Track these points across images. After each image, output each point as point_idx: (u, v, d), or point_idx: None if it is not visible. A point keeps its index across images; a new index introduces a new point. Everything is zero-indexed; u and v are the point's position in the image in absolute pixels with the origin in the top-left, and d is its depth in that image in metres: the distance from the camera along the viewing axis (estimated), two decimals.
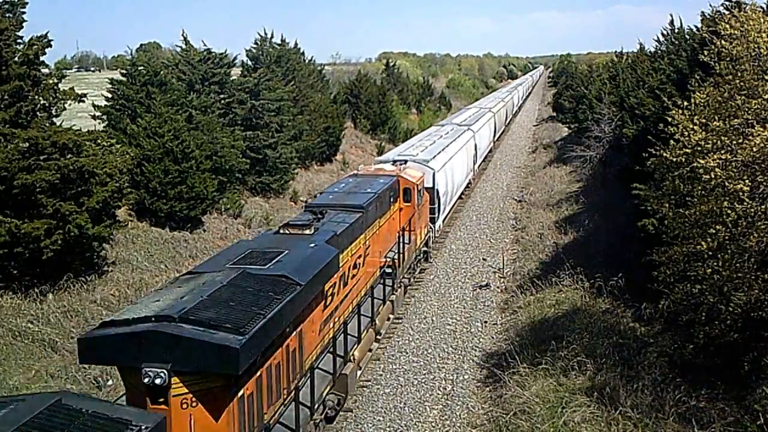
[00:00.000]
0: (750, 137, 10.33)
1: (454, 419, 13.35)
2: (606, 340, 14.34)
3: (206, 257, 21.70)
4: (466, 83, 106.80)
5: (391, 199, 17.80)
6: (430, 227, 22.98)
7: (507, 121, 63.69)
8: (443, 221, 26.66)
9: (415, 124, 57.49)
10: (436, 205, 23.66)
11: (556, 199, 30.63)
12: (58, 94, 17.92)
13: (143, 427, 5.47)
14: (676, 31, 28.14)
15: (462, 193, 32.54)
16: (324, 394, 12.04)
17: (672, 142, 11.54)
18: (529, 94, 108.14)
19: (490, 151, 47.12)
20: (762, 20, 11.11)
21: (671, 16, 29.21)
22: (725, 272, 10.67)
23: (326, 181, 33.46)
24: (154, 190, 22.22)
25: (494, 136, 49.12)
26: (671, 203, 11.83)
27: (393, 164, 21.41)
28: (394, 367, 15.64)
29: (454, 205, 29.59)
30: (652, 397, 11.68)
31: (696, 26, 23.46)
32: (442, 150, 26.96)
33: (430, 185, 22.78)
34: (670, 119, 11.80)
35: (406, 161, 22.43)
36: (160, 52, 60.49)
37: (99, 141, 19.34)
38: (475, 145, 35.89)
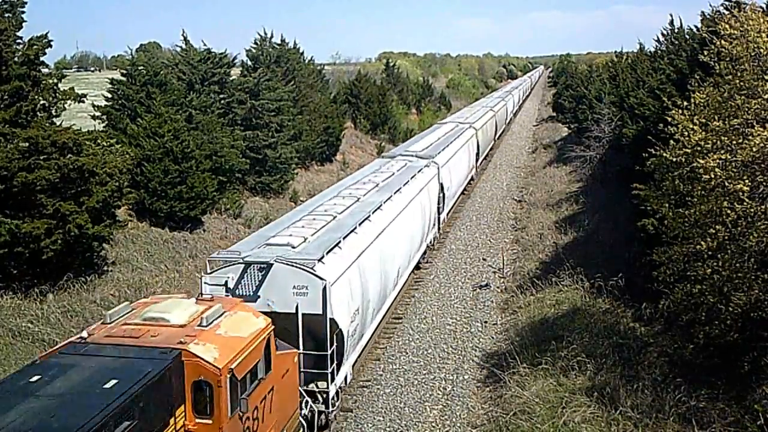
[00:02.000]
0: (750, 137, 10.33)
1: (454, 419, 13.36)
2: (606, 340, 14.35)
3: (206, 257, 21.72)
4: (466, 83, 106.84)
5: None
6: (300, 420, 11.47)
7: (498, 135, 52.65)
8: (353, 368, 14.01)
9: (415, 124, 57.50)
10: (332, 349, 12.09)
11: (556, 199, 30.63)
12: (57, 94, 17.92)
13: None
14: (676, 31, 28.17)
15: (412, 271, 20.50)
16: None
17: (672, 142, 11.54)
18: (528, 96, 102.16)
19: (471, 181, 35.47)
20: (762, 20, 11.11)
21: (671, 16, 29.25)
22: (725, 272, 10.68)
23: (326, 182, 33.47)
24: (154, 190, 22.22)
25: (477, 160, 37.69)
26: (671, 203, 11.84)
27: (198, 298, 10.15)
28: (394, 367, 15.64)
29: (381, 321, 16.69)
30: (652, 397, 11.69)
31: (696, 26, 23.51)
32: (361, 223, 14.94)
33: (318, 311, 11.82)
34: (670, 119, 11.81)
35: (248, 263, 11.99)
36: (160, 52, 60.55)
37: (99, 141, 19.34)
38: (441, 186, 24.50)
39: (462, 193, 32.47)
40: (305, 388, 11.97)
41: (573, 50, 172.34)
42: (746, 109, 10.82)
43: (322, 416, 12.33)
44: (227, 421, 8.56)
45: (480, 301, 19.75)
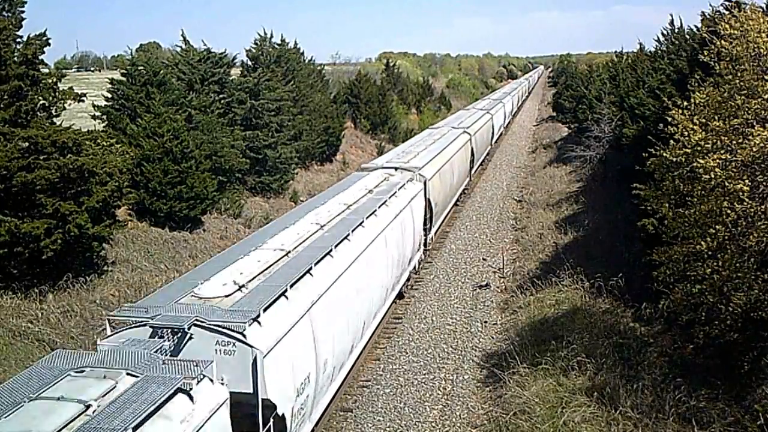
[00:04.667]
0: (750, 137, 10.34)
1: (454, 419, 13.35)
2: (606, 340, 14.34)
3: (206, 257, 21.74)
4: (466, 83, 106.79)
5: None
6: None
7: (477, 165, 37.16)
8: None
9: (415, 124, 57.47)
10: None
11: (556, 199, 30.62)
12: (57, 94, 17.89)
13: None
14: (676, 31, 28.21)
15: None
16: None
17: (672, 142, 11.55)
18: (525, 99, 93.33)
19: (418, 269, 21.35)
20: (762, 20, 11.12)
21: (671, 16, 29.31)
22: (725, 272, 10.68)
23: (326, 182, 33.47)
24: (153, 190, 22.21)
25: (427, 230, 22.33)
26: (671, 203, 11.84)
27: None
28: (394, 367, 15.64)
29: None
30: (652, 397, 11.69)
31: (696, 26, 23.51)
32: None
33: None
34: (670, 119, 11.81)
35: None
36: (160, 52, 60.52)
37: (99, 141, 19.32)
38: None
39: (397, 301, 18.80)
40: None
41: (573, 50, 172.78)
42: (746, 109, 10.83)
43: None
44: None
45: (480, 301, 19.74)
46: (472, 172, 35.36)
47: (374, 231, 15.36)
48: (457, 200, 30.60)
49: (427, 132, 34.71)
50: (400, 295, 19.05)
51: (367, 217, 15.25)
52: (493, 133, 45.83)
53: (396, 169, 21.69)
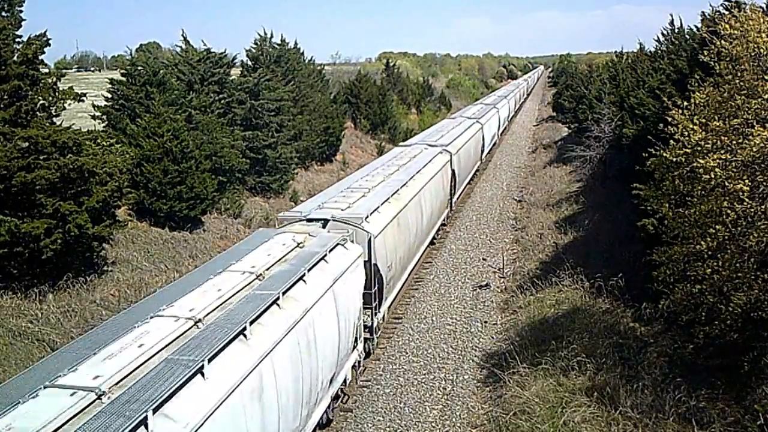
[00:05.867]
0: (750, 137, 10.33)
1: (454, 419, 13.35)
2: (606, 340, 14.34)
3: (206, 257, 21.75)
4: (466, 83, 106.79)
5: None
6: None
7: (459, 192, 30.72)
8: None
9: (415, 124, 57.45)
10: None
11: (556, 199, 30.62)
12: (57, 94, 17.90)
13: None
14: (676, 31, 28.22)
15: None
16: None
17: (672, 142, 11.54)
18: (525, 100, 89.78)
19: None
20: (762, 20, 11.11)
21: (671, 16, 29.31)
22: (725, 272, 10.67)
23: (326, 182, 33.47)
24: (153, 190, 22.22)
25: (375, 307, 15.47)
26: (671, 203, 11.83)
27: None
28: (394, 367, 15.63)
29: None
30: (652, 397, 11.68)
31: (696, 26, 23.53)
32: None
33: None
34: (670, 119, 11.80)
35: None
36: (160, 52, 60.45)
37: (99, 141, 19.34)
38: None
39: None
40: None
41: (573, 50, 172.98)
42: (746, 109, 10.82)
43: None
44: None
45: (480, 301, 19.74)
46: (454, 200, 28.55)
47: (243, 365, 8.41)
48: (433, 239, 24.10)
49: (397, 151, 26.58)
50: (322, 425, 12.58)
51: (225, 345, 8.25)
52: (483, 146, 39.31)
53: (326, 222, 14.42)
